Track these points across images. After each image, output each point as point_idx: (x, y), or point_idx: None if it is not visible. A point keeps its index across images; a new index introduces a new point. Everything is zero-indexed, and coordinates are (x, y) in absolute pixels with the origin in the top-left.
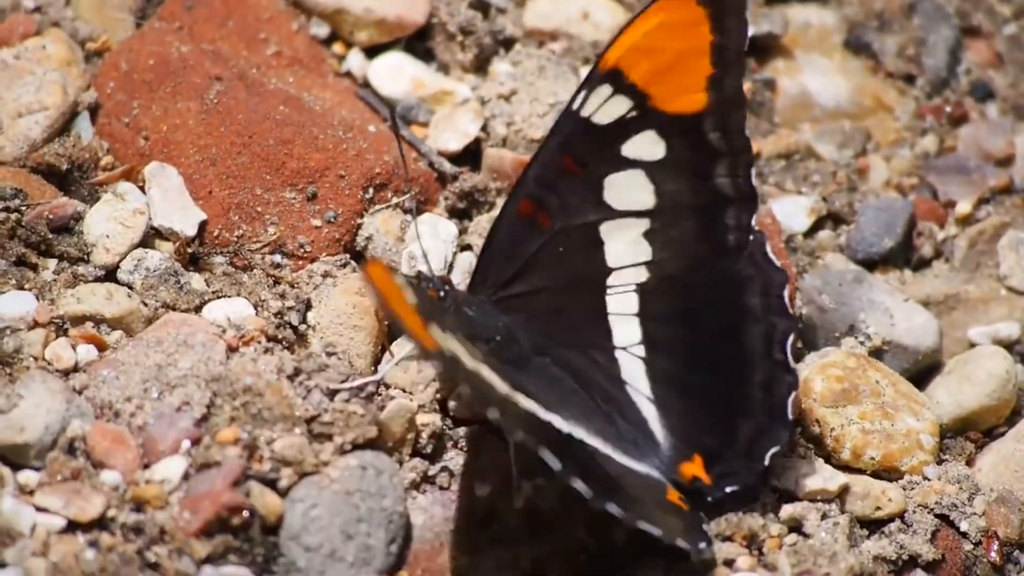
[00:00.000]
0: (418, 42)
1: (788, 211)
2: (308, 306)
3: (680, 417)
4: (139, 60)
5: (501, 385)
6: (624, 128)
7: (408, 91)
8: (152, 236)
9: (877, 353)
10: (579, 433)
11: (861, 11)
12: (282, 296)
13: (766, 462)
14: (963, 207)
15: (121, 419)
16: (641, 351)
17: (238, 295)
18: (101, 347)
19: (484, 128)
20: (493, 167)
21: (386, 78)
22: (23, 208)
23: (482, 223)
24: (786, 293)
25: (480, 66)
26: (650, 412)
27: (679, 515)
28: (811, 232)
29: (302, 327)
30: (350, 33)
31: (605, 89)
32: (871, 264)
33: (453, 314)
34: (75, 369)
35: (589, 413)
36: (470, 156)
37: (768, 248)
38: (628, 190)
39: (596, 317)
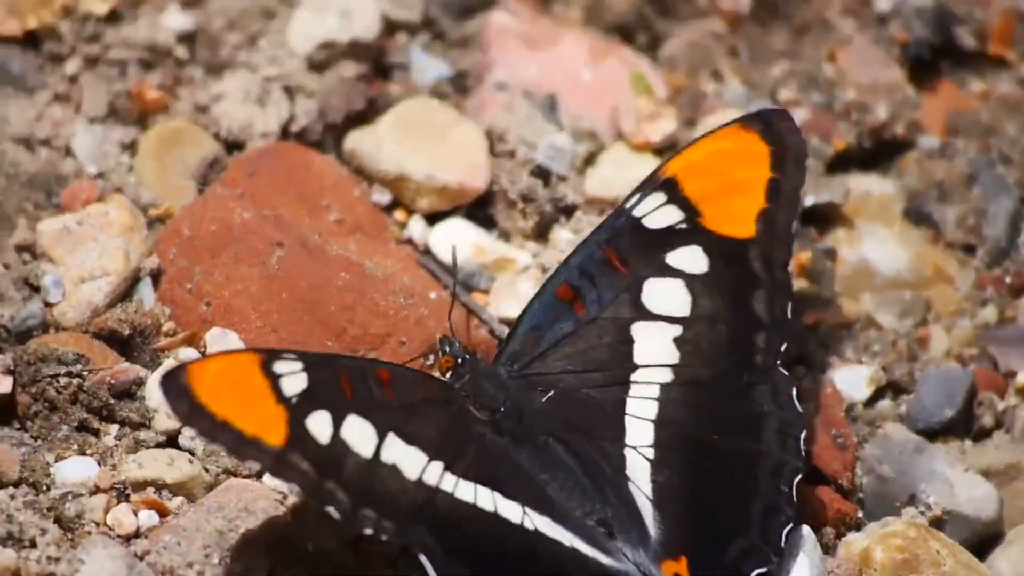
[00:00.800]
0: (479, 209)
1: (849, 381)
2: None
3: (676, 520)
4: (201, 226)
5: (413, 470)
6: (671, 237)
7: (469, 258)
8: None
9: (938, 523)
10: (540, 523)
11: (921, 181)
12: None
13: None
14: (1023, 378)
15: None
16: (651, 453)
17: None
18: (163, 512)
19: None
20: None
21: (447, 245)
22: (85, 373)
23: None
24: (802, 436)
25: (541, 233)
26: (647, 509)
27: None
28: (871, 402)
29: None
30: (412, 200)
31: (659, 196)
32: (932, 434)
33: (467, 382)
34: (136, 535)
35: (574, 502)
36: None
37: (794, 394)
38: (666, 296)
39: (614, 412)
